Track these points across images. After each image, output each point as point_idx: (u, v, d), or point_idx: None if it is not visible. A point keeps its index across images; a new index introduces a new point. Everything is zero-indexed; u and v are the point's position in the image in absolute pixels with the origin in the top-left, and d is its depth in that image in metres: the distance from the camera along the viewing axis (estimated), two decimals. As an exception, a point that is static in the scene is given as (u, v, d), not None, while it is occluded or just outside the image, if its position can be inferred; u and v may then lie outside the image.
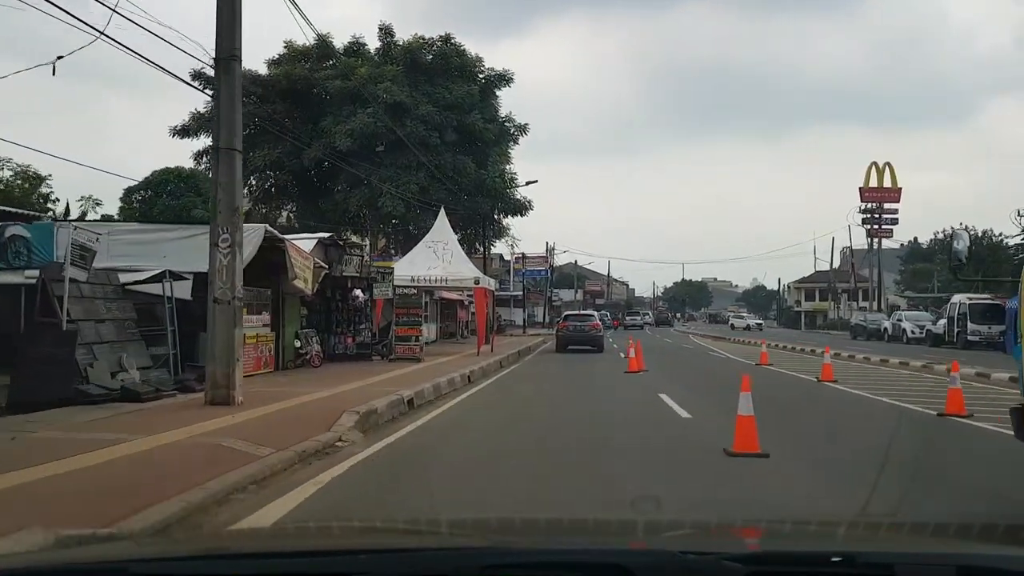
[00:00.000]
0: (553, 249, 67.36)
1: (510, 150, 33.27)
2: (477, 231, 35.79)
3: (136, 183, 35.41)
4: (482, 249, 36.10)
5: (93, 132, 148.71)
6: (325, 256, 17.14)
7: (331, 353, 18.13)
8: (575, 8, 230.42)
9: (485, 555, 1.92)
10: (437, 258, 22.78)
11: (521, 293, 60.77)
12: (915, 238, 75.92)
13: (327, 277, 17.00)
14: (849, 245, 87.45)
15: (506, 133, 32.59)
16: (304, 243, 16.29)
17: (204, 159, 30.48)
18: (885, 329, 43.39)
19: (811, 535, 2.70)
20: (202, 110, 29.65)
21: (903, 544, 2.37)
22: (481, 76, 31.90)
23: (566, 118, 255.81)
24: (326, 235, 18.32)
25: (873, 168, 63.72)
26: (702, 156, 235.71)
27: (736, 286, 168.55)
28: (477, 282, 22.80)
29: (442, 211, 24.47)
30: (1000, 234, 74.19)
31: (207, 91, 22.81)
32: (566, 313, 37.46)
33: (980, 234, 76.35)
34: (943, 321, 36.23)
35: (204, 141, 29.96)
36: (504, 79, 32.51)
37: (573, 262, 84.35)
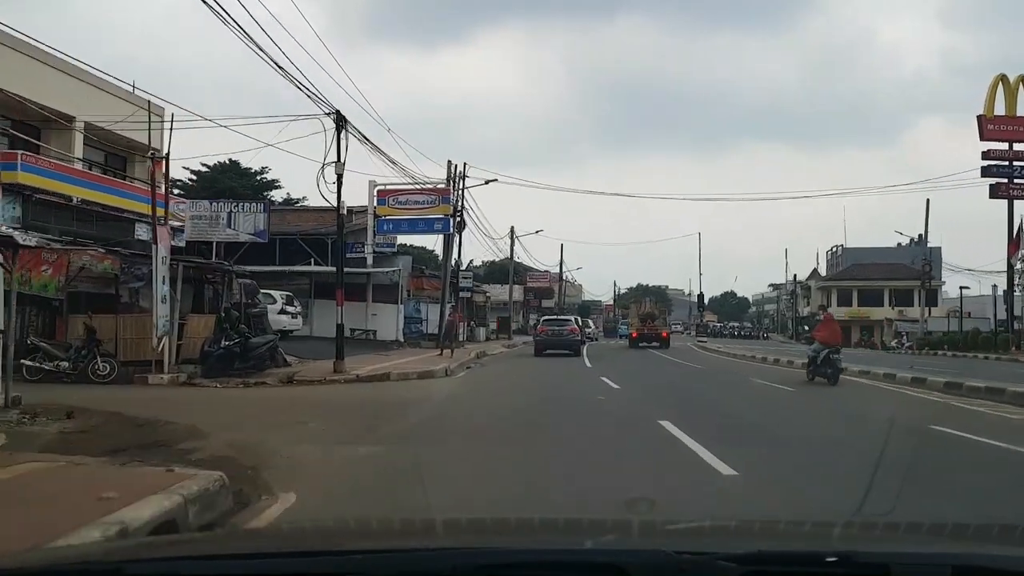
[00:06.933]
0: (463, 175, 30.98)
1: None
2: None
3: None
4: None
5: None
6: None
7: None
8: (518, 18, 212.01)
9: (481, 555, 1.89)
10: None
11: (367, 274, 29.47)
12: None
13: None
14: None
15: None
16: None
17: None
18: None
19: (806, 535, 2.64)
20: None
21: (898, 544, 2.32)
22: None
23: (510, 128, 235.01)
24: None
25: (1000, 85, 38.35)
26: (639, 168, 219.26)
27: (688, 294, 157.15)
28: None
29: None
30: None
31: None
32: (544, 318, 36.65)
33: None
34: None
35: None
36: None
37: (511, 241, 49.21)
